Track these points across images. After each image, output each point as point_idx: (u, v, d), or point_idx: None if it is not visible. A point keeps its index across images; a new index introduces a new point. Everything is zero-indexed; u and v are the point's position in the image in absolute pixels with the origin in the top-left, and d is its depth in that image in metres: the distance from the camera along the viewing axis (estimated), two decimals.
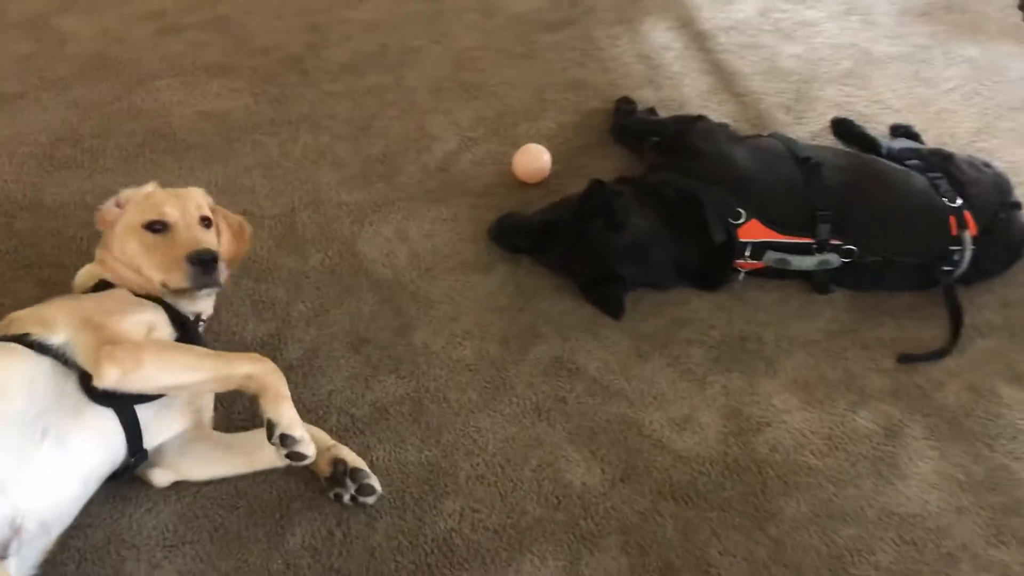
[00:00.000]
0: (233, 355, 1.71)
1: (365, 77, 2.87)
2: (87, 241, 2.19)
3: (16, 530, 1.49)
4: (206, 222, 1.92)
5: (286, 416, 1.62)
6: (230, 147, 2.57)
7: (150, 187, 1.95)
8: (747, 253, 2.20)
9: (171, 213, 1.86)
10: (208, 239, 1.88)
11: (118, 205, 1.91)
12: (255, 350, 2.00)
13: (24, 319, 1.66)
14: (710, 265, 2.25)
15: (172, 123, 2.64)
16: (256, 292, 2.18)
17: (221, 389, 1.72)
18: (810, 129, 2.76)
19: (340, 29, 3.06)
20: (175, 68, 2.85)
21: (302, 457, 1.62)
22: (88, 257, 1.95)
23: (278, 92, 2.78)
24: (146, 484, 1.78)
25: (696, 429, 1.97)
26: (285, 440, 1.60)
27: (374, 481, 1.77)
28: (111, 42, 2.95)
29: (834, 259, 2.20)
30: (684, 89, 2.92)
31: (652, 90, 2.91)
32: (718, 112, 2.81)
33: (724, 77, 3.00)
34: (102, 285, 1.81)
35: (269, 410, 1.62)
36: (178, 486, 1.79)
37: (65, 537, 1.66)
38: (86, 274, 1.88)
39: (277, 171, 2.51)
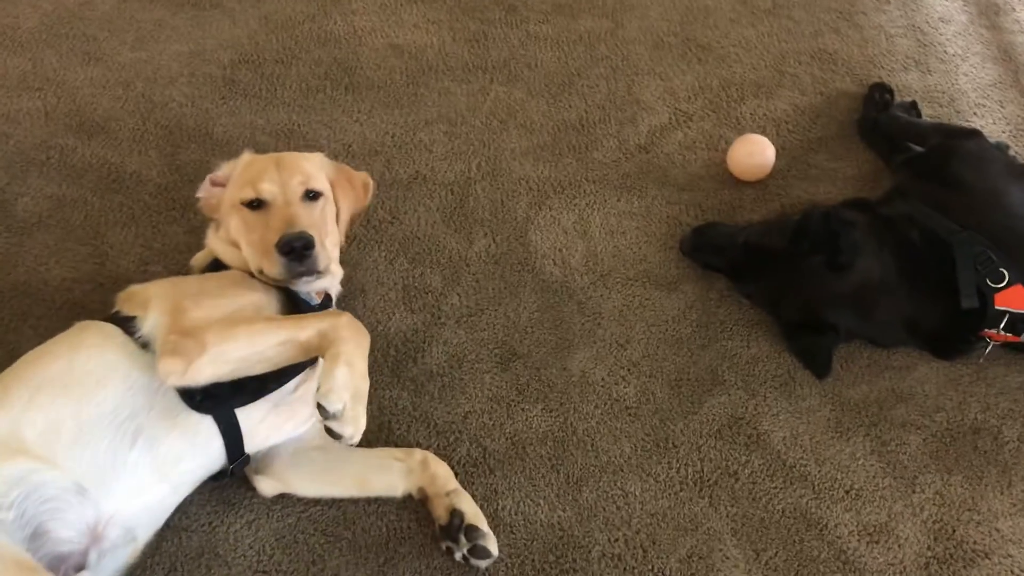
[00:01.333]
0: (307, 315, 1.51)
1: (579, 20, 2.51)
2: None
3: (96, 538, 1.38)
4: (311, 195, 1.66)
5: (338, 378, 1.38)
6: (416, 92, 2.32)
7: (246, 156, 1.72)
8: (1002, 324, 1.74)
9: (268, 189, 1.62)
10: (308, 218, 1.61)
11: (215, 183, 1.70)
12: (396, 346, 1.80)
13: (137, 296, 1.51)
14: (951, 329, 1.80)
15: (360, 55, 2.40)
16: (410, 276, 1.95)
17: (302, 356, 1.49)
18: None
19: None
20: None
21: (337, 436, 1.38)
22: None
23: (479, 29, 2.48)
24: (252, 488, 1.62)
25: (892, 544, 1.60)
26: (322, 410, 1.37)
27: (491, 544, 1.53)
28: None
29: None
30: (960, 79, 2.37)
31: (918, 75, 2.38)
32: (999, 116, 2.27)
33: (1015, 67, 2.41)
34: (217, 265, 1.63)
35: (326, 368, 1.39)
36: (283, 500, 1.63)
37: (159, 540, 1.54)
38: (204, 254, 1.70)
39: (460, 128, 2.23)
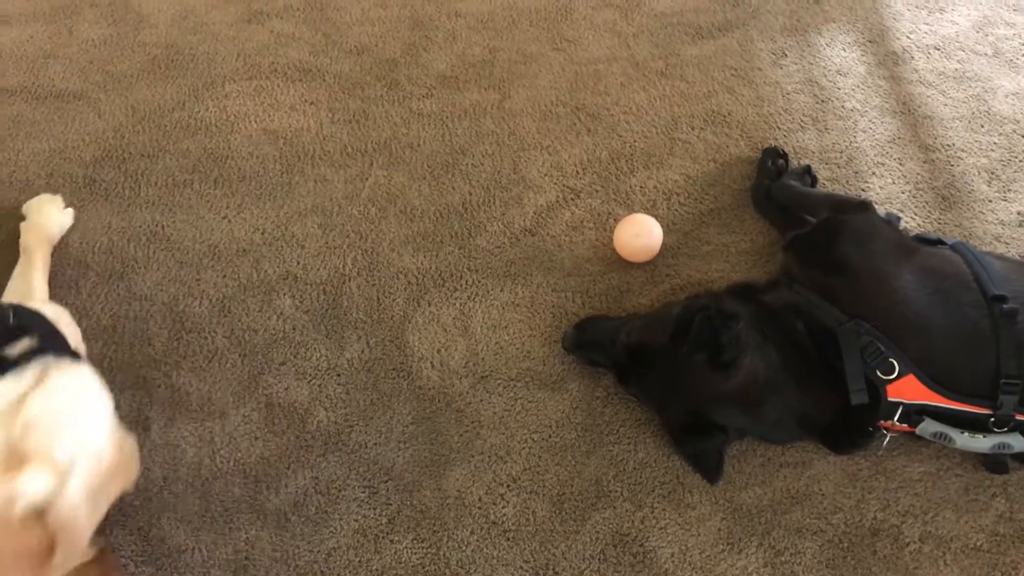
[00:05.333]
0: None
1: (464, 92, 2.40)
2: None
3: None
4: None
5: None
6: (290, 182, 2.20)
7: None
8: (896, 416, 1.64)
9: None
10: None
11: None
12: (256, 475, 1.67)
13: None
14: (845, 423, 1.70)
15: (232, 143, 2.28)
16: (274, 390, 1.82)
17: None
18: (1017, 208, 2.09)
19: (447, 25, 2.58)
20: (252, 69, 2.47)
21: None
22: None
23: (359, 108, 2.36)
24: None
25: None
26: None
27: None
28: (189, 30, 2.60)
29: (1018, 443, 1.62)
30: (858, 136, 2.29)
31: (816, 133, 2.29)
32: (898, 175, 2.19)
33: (914, 121, 2.33)
34: None
35: None
36: None
37: None
38: None
39: (336, 219, 2.11)
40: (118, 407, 1.55)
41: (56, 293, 1.98)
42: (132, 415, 1.61)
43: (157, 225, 2.10)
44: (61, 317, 1.51)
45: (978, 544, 1.63)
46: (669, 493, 1.69)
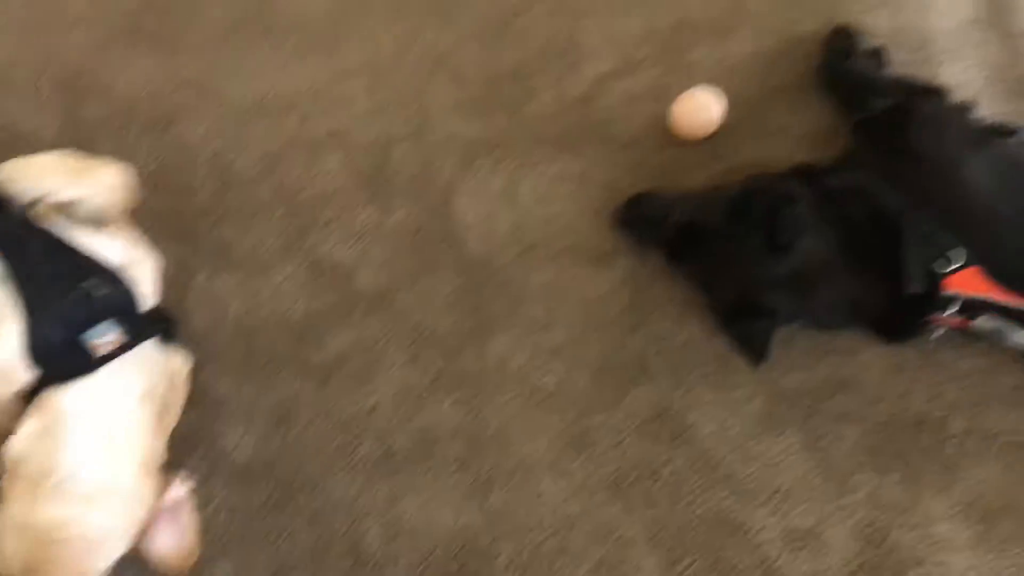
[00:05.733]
0: None
1: None
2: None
3: None
4: None
5: None
6: (338, 38, 2.12)
7: None
8: (953, 309, 1.60)
9: None
10: None
11: None
12: (300, 332, 1.69)
13: None
14: (898, 313, 1.66)
15: None
16: (319, 251, 1.80)
17: None
18: None
19: None
20: None
21: None
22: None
23: None
24: None
25: (818, 550, 1.50)
26: None
27: None
28: None
29: None
30: (933, 17, 2.15)
31: (888, 13, 2.17)
32: (974, 60, 2.07)
33: (995, 4, 2.20)
34: None
35: None
36: None
37: None
38: None
39: (385, 79, 2.05)
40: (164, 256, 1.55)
41: (102, 142, 1.95)
42: (177, 265, 1.60)
43: (203, 75, 2.06)
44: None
45: (1021, 441, 1.61)
46: (712, 373, 1.67)
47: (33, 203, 1.39)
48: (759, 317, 1.68)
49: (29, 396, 1.25)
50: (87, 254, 1.33)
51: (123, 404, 1.30)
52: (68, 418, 1.23)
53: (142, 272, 1.42)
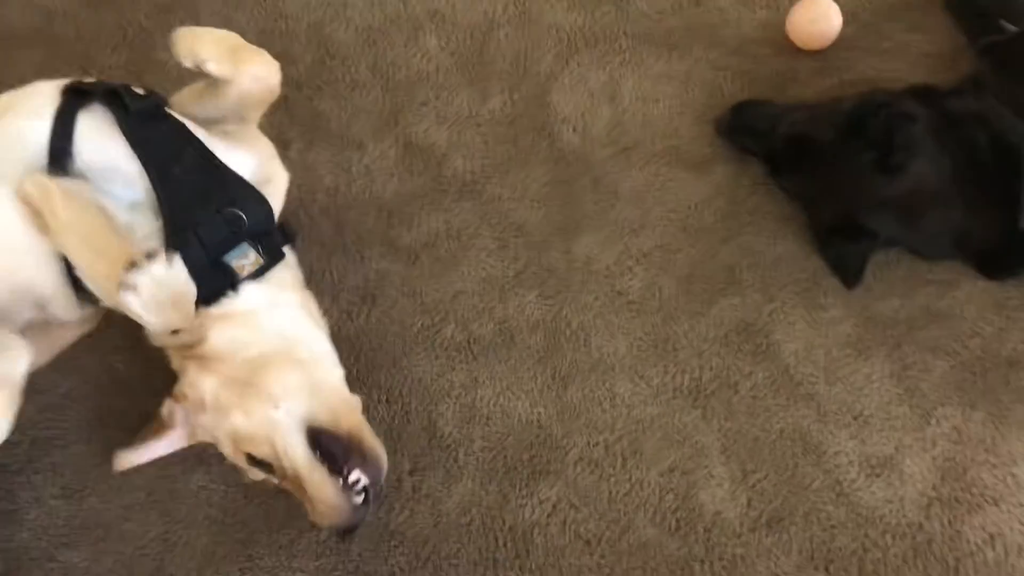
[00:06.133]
0: None
1: None
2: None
3: None
4: None
5: None
6: None
7: None
8: None
9: None
10: None
11: None
12: (392, 210, 1.69)
13: None
14: (1007, 248, 1.60)
15: None
16: (413, 132, 1.79)
17: None
18: None
19: None
20: None
21: None
22: None
23: None
24: None
25: (894, 480, 1.48)
26: None
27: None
28: None
29: None
30: None
31: None
32: None
33: None
34: None
35: None
36: None
37: None
38: None
39: None
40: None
41: (205, 3, 1.93)
42: (272, 133, 1.59)
43: None
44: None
45: None
46: (803, 291, 1.63)
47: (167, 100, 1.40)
48: (859, 238, 1.63)
49: None
50: (231, 171, 1.35)
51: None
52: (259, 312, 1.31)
53: (276, 189, 1.46)
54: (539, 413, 1.54)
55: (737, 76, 1.85)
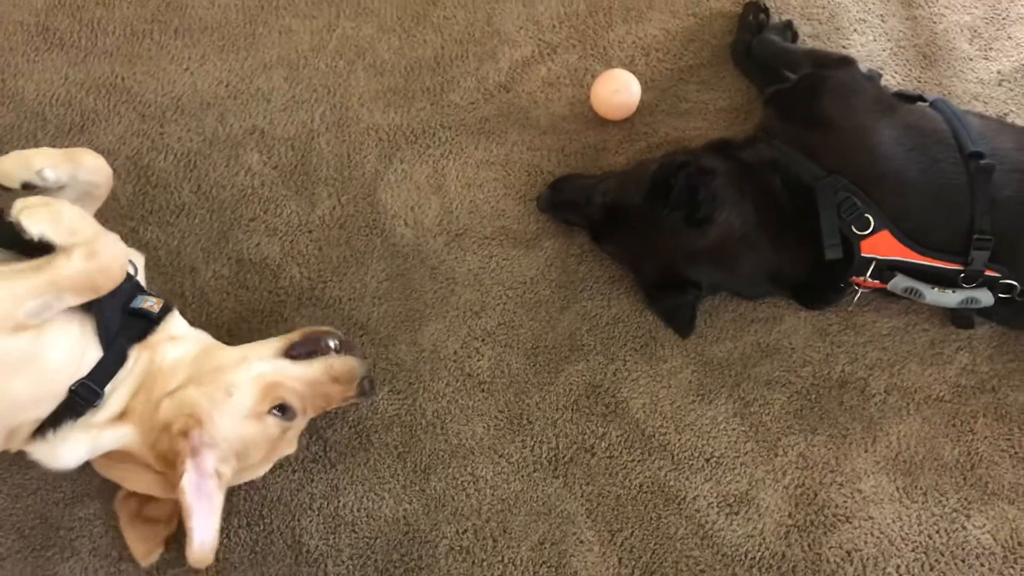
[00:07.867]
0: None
1: None
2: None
3: None
4: None
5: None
6: (254, 33, 2.10)
7: None
8: (869, 272, 1.66)
9: None
10: None
11: None
12: (231, 329, 1.67)
13: None
14: (818, 279, 1.72)
15: None
16: (245, 247, 1.79)
17: None
18: (998, 68, 2.06)
19: None
20: None
21: None
22: None
23: None
24: None
25: (752, 514, 1.54)
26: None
27: None
28: None
29: (985, 297, 1.64)
30: None
31: None
32: (880, 32, 2.14)
33: None
34: None
35: None
36: None
37: None
38: None
39: (303, 73, 2.04)
40: None
41: (14, 147, 1.90)
42: None
43: (116, 77, 2.02)
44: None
45: (941, 395, 1.68)
46: (641, 347, 1.70)
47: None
48: (684, 291, 1.72)
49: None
50: None
51: None
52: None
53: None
54: (404, 510, 1.54)
55: (552, 153, 1.94)
